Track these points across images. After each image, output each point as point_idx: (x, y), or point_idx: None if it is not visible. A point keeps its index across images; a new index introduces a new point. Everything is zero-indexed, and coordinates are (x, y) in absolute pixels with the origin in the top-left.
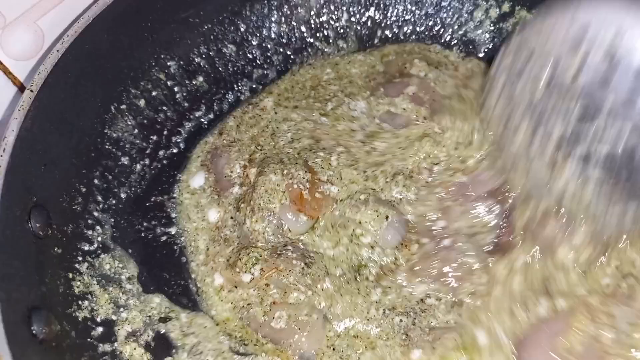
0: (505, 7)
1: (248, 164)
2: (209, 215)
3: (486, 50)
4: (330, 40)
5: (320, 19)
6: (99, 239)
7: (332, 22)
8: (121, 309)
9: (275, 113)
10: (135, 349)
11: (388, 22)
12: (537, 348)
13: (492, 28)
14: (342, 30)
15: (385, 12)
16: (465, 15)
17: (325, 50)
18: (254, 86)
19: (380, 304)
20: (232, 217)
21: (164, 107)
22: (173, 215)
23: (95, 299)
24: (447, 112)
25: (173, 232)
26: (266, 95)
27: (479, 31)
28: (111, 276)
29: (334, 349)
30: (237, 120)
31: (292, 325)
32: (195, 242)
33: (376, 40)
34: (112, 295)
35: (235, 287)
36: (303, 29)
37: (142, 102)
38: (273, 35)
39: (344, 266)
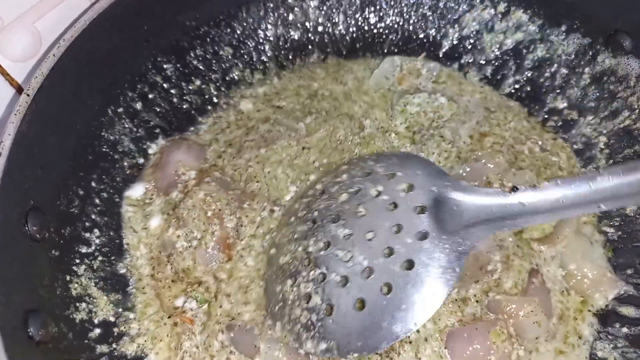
0: (501, 7)
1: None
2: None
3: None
4: (326, 42)
5: (317, 21)
6: (97, 241)
7: (328, 25)
8: (121, 310)
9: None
10: (139, 346)
11: (386, 23)
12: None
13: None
14: (338, 33)
15: (380, 14)
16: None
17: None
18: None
19: None
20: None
21: (160, 110)
22: None
23: (93, 300)
24: None
25: None
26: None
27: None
28: (110, 278)
29: None
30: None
31: None
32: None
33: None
34: (112, 297)
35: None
36: (300, 31)
37: (139, 105)
38: (269, 38)
39: None
